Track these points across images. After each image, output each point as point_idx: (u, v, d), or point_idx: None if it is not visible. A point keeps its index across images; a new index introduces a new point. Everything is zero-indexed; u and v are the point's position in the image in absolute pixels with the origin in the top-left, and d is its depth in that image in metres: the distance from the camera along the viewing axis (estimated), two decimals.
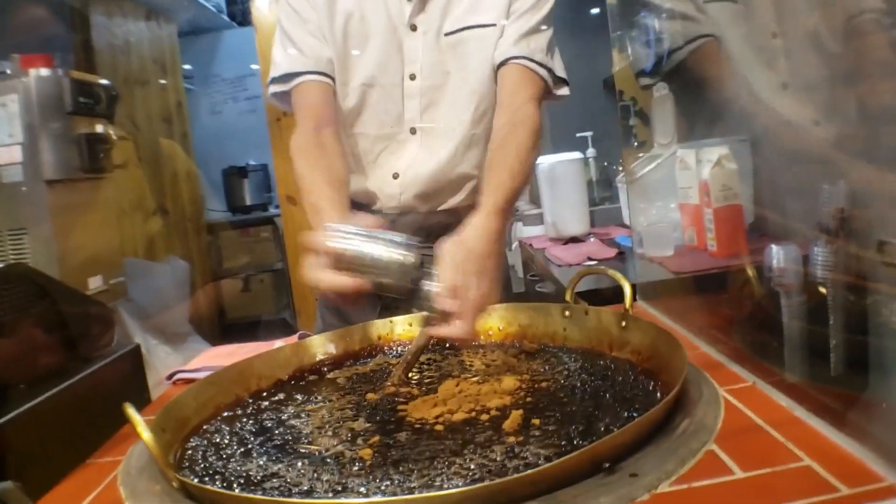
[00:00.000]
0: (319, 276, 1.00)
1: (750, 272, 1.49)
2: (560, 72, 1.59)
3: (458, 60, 1.56)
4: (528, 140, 1.42)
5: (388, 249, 0.99)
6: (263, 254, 5.27)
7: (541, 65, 1.53)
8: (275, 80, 1.61)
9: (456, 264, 1.05)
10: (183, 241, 4.70)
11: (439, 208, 1.63)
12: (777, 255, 1.42)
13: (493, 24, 1.54)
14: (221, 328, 5.08)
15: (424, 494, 0.67)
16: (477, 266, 1.08)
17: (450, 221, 1.54)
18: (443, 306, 1.00)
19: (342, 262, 0.98)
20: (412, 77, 1.56)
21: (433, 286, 1.01)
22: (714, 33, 2.20)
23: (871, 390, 0.87)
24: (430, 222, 1.61)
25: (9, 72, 3.15)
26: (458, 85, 1.57)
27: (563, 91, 1.62)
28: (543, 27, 1.57)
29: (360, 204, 1.64)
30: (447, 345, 1.25)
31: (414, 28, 1.55)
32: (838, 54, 1.53)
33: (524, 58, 1.52)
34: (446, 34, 1.55)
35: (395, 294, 1.01)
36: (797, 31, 1.71)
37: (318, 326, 1.71)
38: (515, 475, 0.65)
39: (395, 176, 1.60)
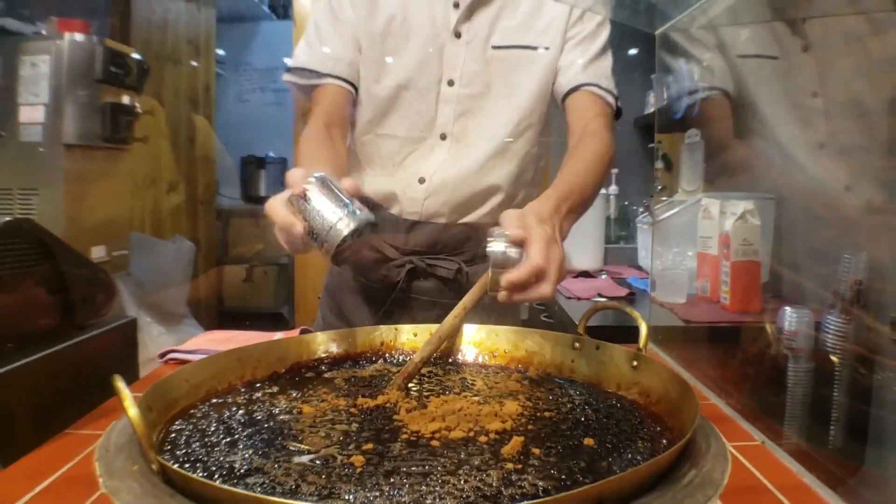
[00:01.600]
0: (273, 204, 1.08)
1: (763, 329, 1.46)
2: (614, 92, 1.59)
3: (504, 75, 1.55)
4: (596, 147, 1.44)
5: (334, 209, 1.03)
6: (270, 246, 5.24)
7: (607, 91, 1.55)
8: (294, 71, 1.62)
9: (531, 225, 1.04)
10: (192, 223, 4.67)
11: (460, 220, 1.60)
12: (790, 317, 1.39)
13: (547, 48, 1.54)
14: (218, 314, 5.05)
15: None
16: (550, 228, 1.07)
17: (469, 236, 1.53)
18: (534, 262, 0.99)
19: (293, 201, 1.05)
20: (450, 83, 1.55)
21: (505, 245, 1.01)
22: (726, 88, 2.18)
23: (868, 461, 0.85)
24: (449, 234, 1.59)
25: (44, 32, 3.15)
26: (500, 98, 1.56)
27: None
28: (605, 53, 1.58)
29: (378, 206, 1.62)
30: (450, 360, 1.23)
31: (458, 35, 1.54)
32: (881, 124, 1.51)
33: (592, 84, 1.53)
34: (494, 47, 1.55)
35: (320, 251, 1.05)
36: (839, 95, 1.69)
37: (318, 324, 1.69)
38: (512, 503, 0.62)
39: (421, 181, 1.57)
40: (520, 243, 1.02)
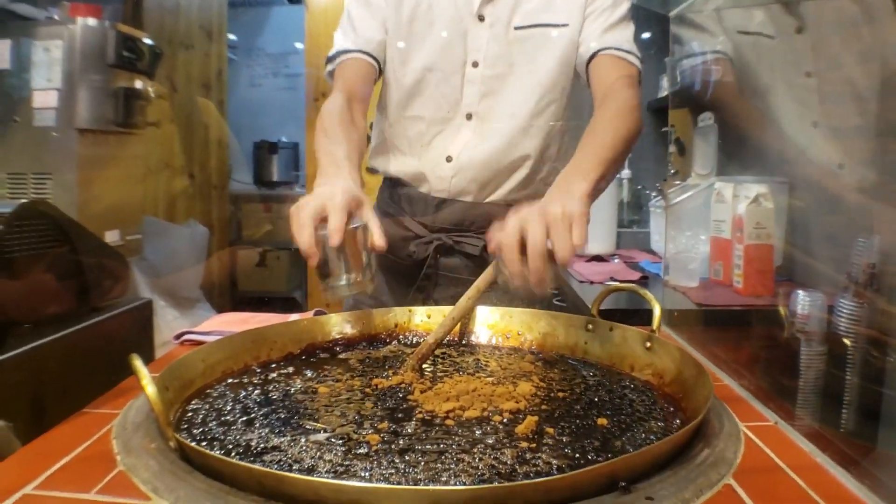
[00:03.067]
0: (302, 218, 1.11)
1: (777, 312, 1.46)
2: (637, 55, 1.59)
3: (527, 54, 1.58)
4: (617, 106, 1.44)
5: (351, 268, 1.13)
6: (283, 231, 5.25)
7: (629, 52, 1.55)
8: (329, 59, 1.65)
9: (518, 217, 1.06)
10: (205, 207, 4.69)
11: (487, 199, 1.63)
12: (803, 301, 1.39)
13: (566, 25, 1.56)
14: (231, 299, 5.08)
15: (432, 488, 0.65)
16: (539, 212, 1.05)
17: (495, 213, 1.51)
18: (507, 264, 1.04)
19: (321, 236, 1.10)
20: (475, 64, 1.58)
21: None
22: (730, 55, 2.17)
23: (881, 443, 0.85)
24: (476, 211, 1.63)
25: (57, 17, 3.16)
26: (522, 76, 1.59)
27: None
28: (625, 21, 1.58)
29: (407, 185, 1.68)
30: (464, 341, 1.23)
31: (482, 18, 1.57)
32: (874, 105, 1.51)
33: (612, 48, 1.54)
34: (516, 28, 1.57)
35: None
36: (832, 75, 1.69)
37: (348, 304, 1.70)
38: (529, 481, 0.62)
39: (449, 159, 1.61)
40: None
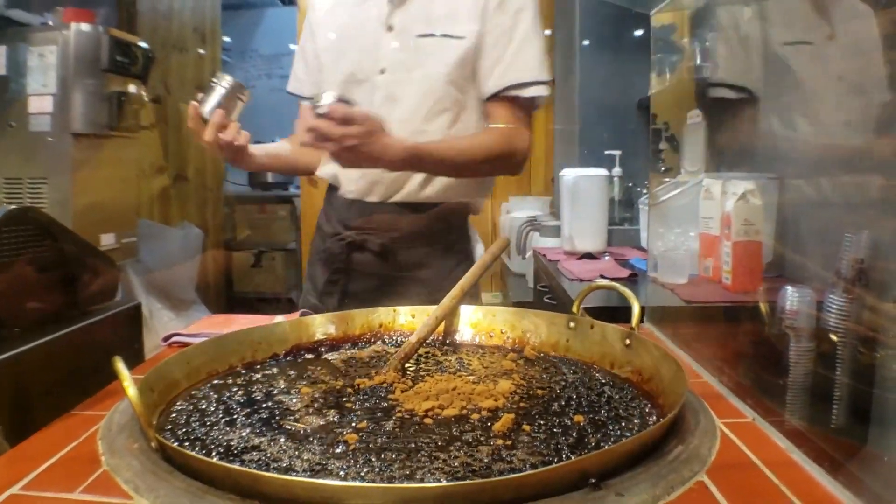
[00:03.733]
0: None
1: (763, 310, 1.47)
2: (538, 75, 1.68)
3: (422, 62, 1.68)
4: (486, 138, 1.65)
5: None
6: (278, 232, 5.27)
7: (528, 84, 1.66)
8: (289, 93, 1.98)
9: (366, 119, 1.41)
10: (200, 210, 4.70)
11: (391, 200, 1.72)
12: (791, 297, 1.40)
13: (463, 37, 1.65)
14: (227, 300, 5.09)
15: (404, 485, 0.66)
16: (376, 128, 1.43)
17: (400, 212, 1.71)
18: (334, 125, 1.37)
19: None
20: (382, 71, 1.69)
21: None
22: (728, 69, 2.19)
23: (871, 443, 0.85)
24: (380, 212, 1.73)
25: (51, 23, 3.17)
26: (416, 82, 1.69)
27: (542, 91, 1.71)
28: (526, 41, 1.67)
29: (333, 188, 1.84)
30: (447, 341, 1.24)
31: (391, 28, 1.68)
32: (882, 102, 1.51)
33: (509, 88, 1.66)
34: (418, 35, 1.67)
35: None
36: (837, 75, 1.70)
37: (303, 298, 1.85)
38: (499, 477, 0.63)
39: None
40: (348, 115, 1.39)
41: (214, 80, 1.59)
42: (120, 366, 0.78)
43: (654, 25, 2.06)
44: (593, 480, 0.66)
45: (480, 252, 1.87)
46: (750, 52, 2.13)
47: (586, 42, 3.56)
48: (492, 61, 1.66)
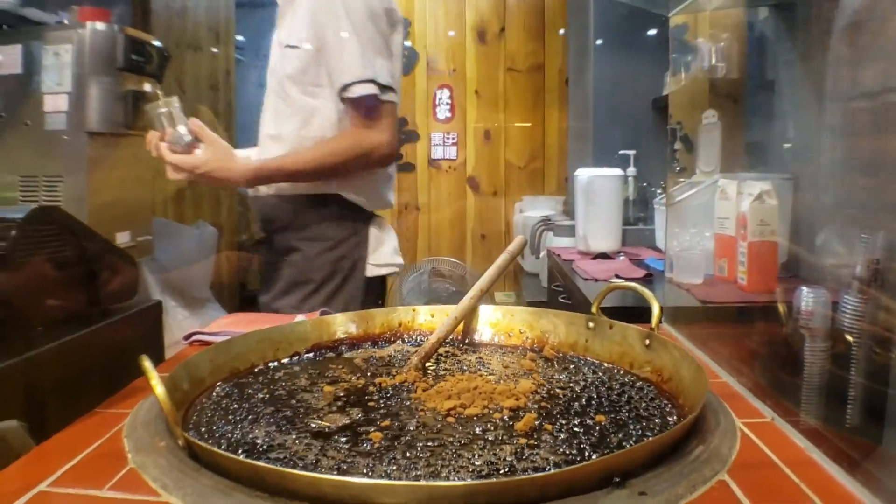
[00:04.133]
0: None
1: (778, 310, 1.47)
2: (360, 74, 1.81)
3: (277, 69, 1.93)
4: (332, 144, 1.83)
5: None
6: None
7: (359, 82, 1.79)
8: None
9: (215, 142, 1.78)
10: (214, 209, 4.71)
11: (263, 193, 1.99)
12: (807, 297, 1.40)
13: (298, 47, 1.84)
14: (241, 299, 5.09)
15: (430, 483, 0.66)
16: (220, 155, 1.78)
17: (274, 203, 1.97)
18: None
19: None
20: (269, 81, 1.98)
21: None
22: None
23: (886, 443, 0.86)
24: (269, 204, 2.00)
25: (66, 22, 3.19)
26: (273, 89, 1.94)
27: (389, 97, 1.85)
28: (353, 45, 1.79)
29: None
30: (466, 340, 1.25)
31: (279, 41, 1.91)
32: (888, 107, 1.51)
33: (340, 91, 1.80)
34: (285, 46, 1.88)
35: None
36: (852, 76, 1.70)
37: None
38: (524, 476, 0.64)
39: None
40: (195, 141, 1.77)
41: (161, 108, 1.81)
42: (147, 364, 0.79)
43: (672, 26, 2.06)
44: (617, 479, 0.67)
45: (379, 247, 2.01)
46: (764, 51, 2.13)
47: (600, 41, 3.56)
48: (329, 68, 1.81)
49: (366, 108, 1.81)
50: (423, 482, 0.68)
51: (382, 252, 1.97)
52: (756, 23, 2.21)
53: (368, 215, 1.98)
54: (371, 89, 1.77)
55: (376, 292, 2.01)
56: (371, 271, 1.95)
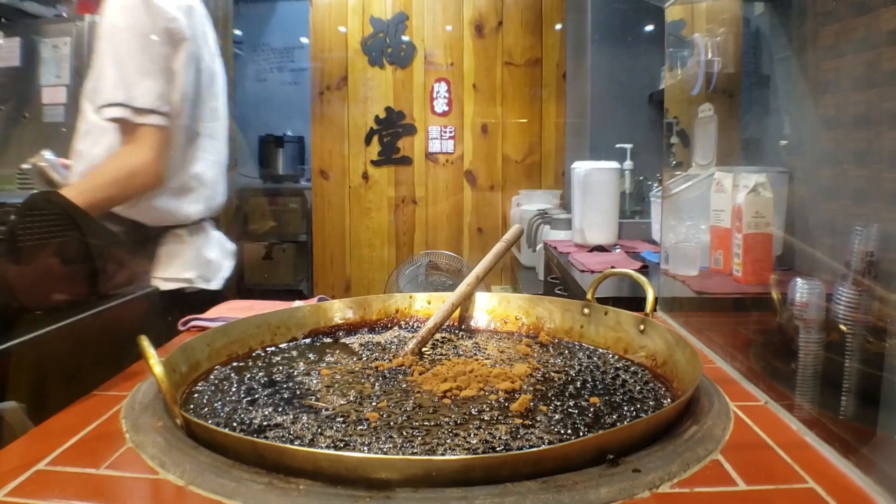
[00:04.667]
0: None
1: (774, 299, 1.48)
2: (111, 97, 1.80)
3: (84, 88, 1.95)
4: (98, 168, 1.80)
5: None
6: (289, 224, 5.29)
7: (103, 107, 1.79)
8: None
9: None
10: None
11: None
12: (801, 289, 1.41)
13: (90, 67, 1.89)
14: (238, 291, 5.10)
15: (427, 457, 0.67)
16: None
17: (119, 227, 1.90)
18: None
19: None
20: None
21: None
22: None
23: (881, 426, 0.86)
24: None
25: (65, 15, 3.19)
26: (80, 107, 1.94)
27: (148, 119, 1.81)
28: (103, 67, 1.80)
29: None
30: (462, 327, 1.26)
31: None
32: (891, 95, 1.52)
33: (105, 119, 1.79)
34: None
35: None
36: (845, 70, 1.71)
37: None
38: (520, 451, 0.65)
39: None
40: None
41: (35, 164, 1.93)
42: (146, 344, 0.80)
43: (668, 19, 2.07)
44: (611, 457, 0.68)
45: (171, 262, 1.99)
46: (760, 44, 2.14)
47: (597, 36, 3.57)
48: (90, 92, 1.84)
49: (123, 131, 1.79)
50: (419, 456, 0.69)
51: (174, 267, 1.95)
52: (752, 18, 2.22)
53: (158, 231, 1.96)
54: (120, 113, 1.75)
55: (177, 306, 1.95)
56: (163, 285, 1.90)
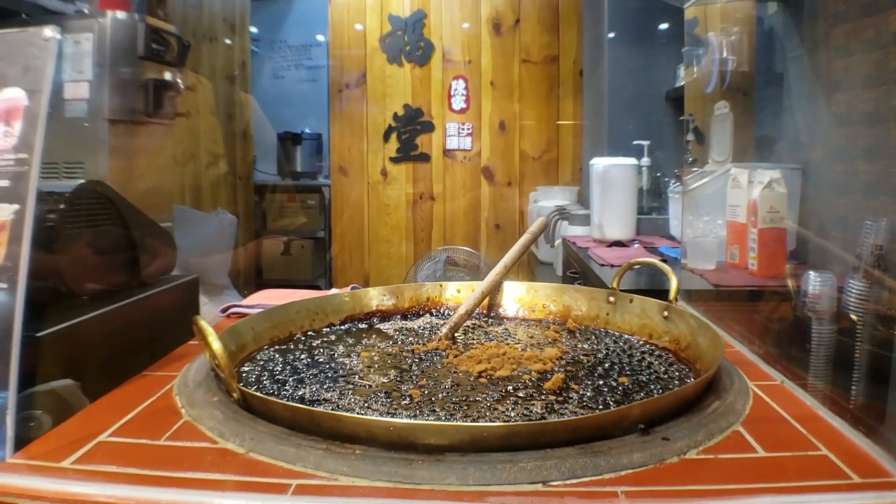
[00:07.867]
0: None
1: (789, 291, 1.52)
2: None
3: None
4: None
5: None
6: (307, 220, 5.34)
7: None
8: None
9: None
10: (230, 197, 4.77)
11: None
12: (814, 281, 1.45)
13: None
14: (257, 287, 5.15)
15: (473, 424, 0.72)
16: None
17: None
18: None
19: None
20: None
21: None
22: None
23: (890, 404, 0.91)
24: None
25: (86, 11, 3.24)
26: None
27: None
28: None
29: None
30: (492, 314, 1.31)
31: None
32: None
33: None
34: None
35: None
36: (855, 68, 1.75)
37: None
38: (559, 419, 0.70)
39: None
40: None
41: None
42: (203, 323, 0.85)
43: (687, 18, 2.12)
44: (642, 426, 0.73)
45: None
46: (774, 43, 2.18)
47: (614, 34, 3.61)
48: None
49: None
50: (466, 422, 0.74)
51: None
52: (765, 17, 2.26)
53: None
54: None
55: None
56: None
